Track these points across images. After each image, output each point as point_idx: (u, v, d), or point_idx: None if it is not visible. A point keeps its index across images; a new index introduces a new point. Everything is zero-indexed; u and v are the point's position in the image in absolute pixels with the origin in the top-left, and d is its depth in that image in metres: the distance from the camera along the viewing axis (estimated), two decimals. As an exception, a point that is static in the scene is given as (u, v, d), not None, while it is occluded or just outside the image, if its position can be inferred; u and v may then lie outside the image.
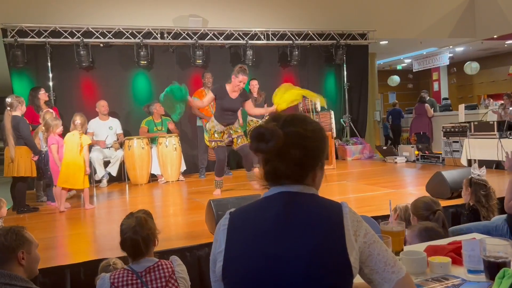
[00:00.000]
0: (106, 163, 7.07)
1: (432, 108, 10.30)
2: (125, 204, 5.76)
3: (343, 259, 1.14)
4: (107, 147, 7.10)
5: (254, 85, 7.57)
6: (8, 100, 5.27)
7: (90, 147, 6.24)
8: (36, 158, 5.34)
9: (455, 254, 1.66)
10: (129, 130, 7.64)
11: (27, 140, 5.29)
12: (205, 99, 5.65)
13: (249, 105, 5.64)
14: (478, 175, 3.37)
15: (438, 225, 2.31)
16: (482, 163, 6.65)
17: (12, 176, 5.26)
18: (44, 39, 7.22)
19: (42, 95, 6.41)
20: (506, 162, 3.15)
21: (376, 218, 3.45)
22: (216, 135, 5.48)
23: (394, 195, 5.06)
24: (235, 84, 5.36)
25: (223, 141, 5.49)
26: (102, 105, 7.17)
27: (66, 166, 5.04)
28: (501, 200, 3.55)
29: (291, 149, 1.20)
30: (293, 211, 1.19)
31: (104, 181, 7.06)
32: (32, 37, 7.18)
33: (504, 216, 3.07)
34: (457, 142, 7.32)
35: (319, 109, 7.93)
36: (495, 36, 10.68)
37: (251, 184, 5.79)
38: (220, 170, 5.58)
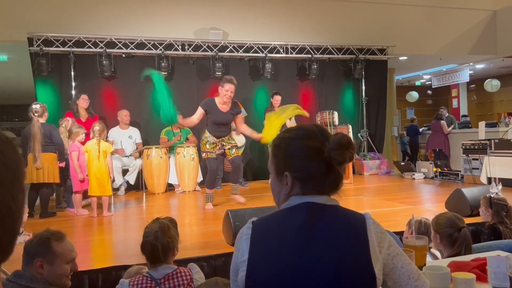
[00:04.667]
0: (125, 172, 7.14)
1: (452, 126, 10.19)
2: (142, 213, 5.80)
3: (368, 270, 1.14)
4: (126, 156, 7.18)
5: (278, 100, 7.57)
6: (36, 107, 5.34)
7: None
8: (63, 164, 5.43)
9: (479, 270, 1.63)
10: (148, 140, 7.73)
11: (60, 146, 5.38)
12: (194, 116, 5.50)
13: (239, 120, 5.61)
14: (497, 193, 3.32)
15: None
16: (502, 181, 6.55)
17: (38, 182, 5.26)
18: (68, 49, 7.39)
19: (81, 101, 6.53)
20: None
21: (395, 234, 3.41)
22: (207, 146, 5.44)
23: (412, 211, 4.98)
24: (223, 94, 5.34)
25: (214, 152, 5.43)
26: (125, 115, 7.27)
27: (93, 175, 5.15)
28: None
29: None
30: (317, 222, 1.19)
31: (122, 189, 7.13)
32: (57, 46, 7.35)
33: (527, 235, 3.01)
34: (476, 159, 7.21)
35: (336, 122, 7.91)
36: (516, 54, 10.56)
37: (234, 198, 5.64)
38: (211, 182, 5.50)
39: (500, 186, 3.37)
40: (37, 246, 2.02)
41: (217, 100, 5.42)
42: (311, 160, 1.22)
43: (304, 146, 1.24)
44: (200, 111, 5.44)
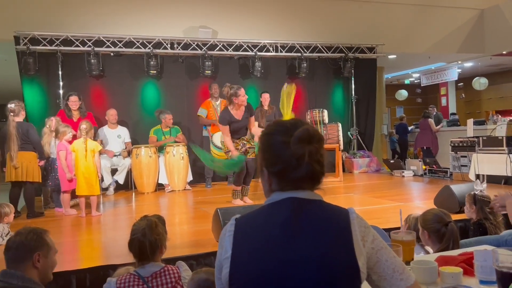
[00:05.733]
0: (113, 171, 7.09)
1: (441, 124, 10.26)
2: (131, 212, 5.76)
3: (351, 263, 1.14)
4: (115, 155, 7.13)
5: (266, 98, 7.60)
6: (11, 106, 5.27)
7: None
8: (42, 163, 5.38)
9: (466, 265, 1.64)
10: (137, 139, 7.68)
11: (37, 145, 5.32)
12: (223, 131, 5.60)
13: (252, 122, 5.67)
14: (481, 190, 3.36)
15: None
16: (491, 178, 6.63)
17: (17, 180, 5.21)
18: (55, 47, 7.31)
19: (71, 102, 6.53)
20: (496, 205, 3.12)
21: (384, 230, 3.42)
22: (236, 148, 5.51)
23: (401, 208, 5.01)
24: (241, 101, 5.40)
25: (238, 149, 5.48)
26: (111, 114, 7.22)
27: (81, 174, 5.11)
28: (506, 215, 3.51)
29: (324, 150, 1.24)
30: (301, 217, 1.18)
31: (111, 189, 7.07)
32: (44, 45, 7.27)
33: (514, 230, 3.03)
34: (465, 157, 7.27)
35: (326, 121, 7.93)
36: (504, 52, 10.66)
37: (245, 201, 5.68)
38: (239, 179, 5.59)
39: (484, 184, 3.41)
40: (35, 241, 2.09)
41: (232, 110, 5.48)
42: (281, 155, 1.21)
43: (275, 141, 1.24)
44: (225, 127, 5.48)
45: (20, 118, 5.32)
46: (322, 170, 1.23)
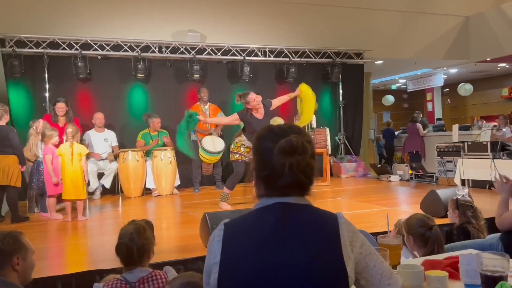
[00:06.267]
0: (100, 175, 7.03)
1: (427, 129, 10.39)
2: (118, 217, 5.71)
3: (340, 268, 1.15)
4: (102, 159, 7.07)
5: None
6: None
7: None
8: (24, 168, 5.32)
9: (452, 268, 1.66)
10: (124, 143, 7.62)
11: (17, 150, 5.25)
12: (227, 119, 5.69)
13: (275, 101, 5.76)
14: (463, 195, 3.42)
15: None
16: (476, 183, 6.73)
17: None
18: (42, 50, 7.24)
19: (57, 109, 6.48)
20: (495, 184, 3.18)
21: (372, 235, 3.44)
22: (242, 148, 5.52)
23: (388, 212, 5.04)
24: (255, 106, 5.42)
25: (247, 156, 5.48)
26: (98, 118, 7.16)
27: (68, 179, 5.05)
28: (490, 219, 3.57)
29: (312, 160, 1.24)
30: (289, 221, 1.19)
31: (98, 193, 7.01)
32: (30, 47, 7.19)
33: (498, 234, 3.08)
34: (451, 161, 7.36)
35: (314, 125, 7.97)
36: (488, 59, 10.86)
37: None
38: (233, 183, 5.55)
39: (466, 189, 3.47)
40: (12, 244, 2.06)
41: (251, 112, 5.47)
42: (267, 162, 1.22)
43: (263, 147, 1.24)
44: (235, 117, 5.54)
45: (2, 122, 5.25)
46: (309, 180, 1.24)
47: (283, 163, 1.18)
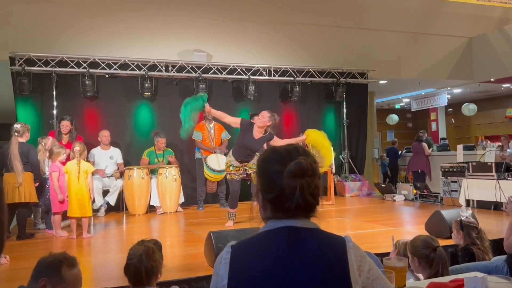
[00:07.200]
0: (105, 192, 7.06)
1: (431, 148, 10.39)
2: (122, 234, 5.72)
3: None
4: (107, 176, 7.11)
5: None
6: (17, 126, 5.39)
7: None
8: (37, 184, 5.38)
9: (457, 291, 1.66)
10: (130, 160, 7.67)
11: (35, 167, 5.38)
12: (230, 118, 5.60)
13: (275, 142, 5.58)
14: (466, 217, 3.41)
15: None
16: (480, 203, 6.70)
17: (14, 202, 5.17)
18: (50, 68, 7.36)
19: (62, 127, 6.60)
20: (508, 206, 3.18)
21: (376, 255, 3.44)
22: (231, 168, 5.53)
23: (393, 233, 5.03)
24: (256, 122, 5.42)
25: (237, 175, 5.51)
26: (104, 135, 7.22)
27: (73, 196, 5.09)
28: (495, 241, 3.56)
29: (319, 181, 1.25)
30: (297, 246, 1.19)
31: (102, 210, 7.02)
32: (39, 66, 7.32)
33: (504, 256, 3.07)
34: (455, 182, 7.34)
35: (318, 144, 7.98)
36: (492, 79, 10.91)
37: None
38: (232, 201, 5.59)
39: (469, 210, 3.46)
40: (47, 266, 2.05)
41: (255, 126, 5.45)
42: (275, 184, 1.23)
43: (270, 169, 1.25)
44: (237, 120, 5.53)
45: (24, 139, 5.40)
46: (316, 201, 1.25)
47: (293, 185, 1.19)
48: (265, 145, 5.61)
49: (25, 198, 5.20)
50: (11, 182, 5.14)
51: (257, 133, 5.43)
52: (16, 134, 5.32)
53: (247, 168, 5.54)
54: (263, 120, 5.39)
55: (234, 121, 5.58)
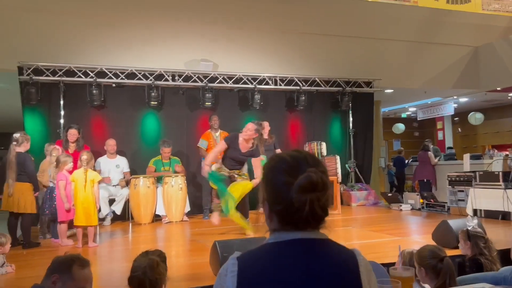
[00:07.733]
0: (111, 201, 7.07)
1: (438, 157, 10.33)
2: (128, 244, 5.72)
3: None
4: (113, 185, 7.13)
5: (266, 126, 7.64)
6: (16, 135, 5.36)
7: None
8: (37, 194, 5.39)
9: (464, 302, 1.65)
10: (136, 169, 7.69)
11: (32, 177, 5.34)
12: (216, 148, 5.65)
13: (255, 163, 5.63)
14: (473, 226, 3.38)
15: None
16: (488, 213, 6.64)
17: (12, 211, 5.21)
18: (58, 78, 7.43)
19: (69, 135, 6.62)
20: None
21: (382, 265, 3.41)
22: (223, 171, 5.56)
23: (400, 242, 5.00)
24: (243, 134, 5.44)
25: (230, 174, 5.55)
26: (110, 144, 7.26)
27: (79, 205, 5.11)
28: (503, 251, 3.52)
29: (327, 198, 1.19)
30: (310, 260, 1.15)
31: (108, 219, 7.04)
32: (47, 75, 7.39)
33: (512, 267, 3.03)
34: (462, 191, 7.29)
35: (324, 153, 7.99)
36: (498, 88, 10.87)
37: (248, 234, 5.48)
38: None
39: (476, 220, 3.43)
40: (59, 264, 2.14)
41: (241, 138, 5.46)
42: (282, 196, 1.17)
43: (277, 180, 1.19)
44: (222, 145, 5.52)
45: (22, 149, 5.36)
46: (325, 213, 1.20)
47: (303, 200, 1.14)
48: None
49: (18, 209, 5.19)
50: (6, 192, 5.18)
51: (244, 147, 5.46)
52: (14, 143, 5.30)
53: (236, 175, 5.56)
54: (248, 133, 5.40)
55: (221, 147, 5.56)
